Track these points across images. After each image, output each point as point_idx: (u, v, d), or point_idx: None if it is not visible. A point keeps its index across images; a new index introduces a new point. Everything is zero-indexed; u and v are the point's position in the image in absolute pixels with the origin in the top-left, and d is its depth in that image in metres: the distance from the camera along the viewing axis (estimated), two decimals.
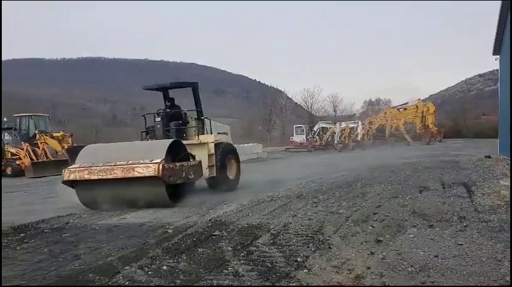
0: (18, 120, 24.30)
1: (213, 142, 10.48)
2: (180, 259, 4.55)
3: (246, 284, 3.69)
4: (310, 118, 57.53)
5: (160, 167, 7.96)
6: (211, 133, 10.89)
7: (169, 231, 6.02)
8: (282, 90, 69.85)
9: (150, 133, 10.98)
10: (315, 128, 40.36)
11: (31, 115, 24.89)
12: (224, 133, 11.72)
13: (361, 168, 14.97)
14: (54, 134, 23.91)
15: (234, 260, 4.40)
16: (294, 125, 43.67)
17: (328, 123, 41.76)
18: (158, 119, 10.76)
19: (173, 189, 8.62)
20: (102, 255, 4.92)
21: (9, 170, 22.19)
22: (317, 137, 39.28)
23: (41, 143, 22.50)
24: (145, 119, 11.32)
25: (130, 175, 8.06)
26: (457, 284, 3.66)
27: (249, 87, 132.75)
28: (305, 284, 3.70)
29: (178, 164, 8.57)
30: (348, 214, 6.63)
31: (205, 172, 9.94)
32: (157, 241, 5.48)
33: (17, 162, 21.98)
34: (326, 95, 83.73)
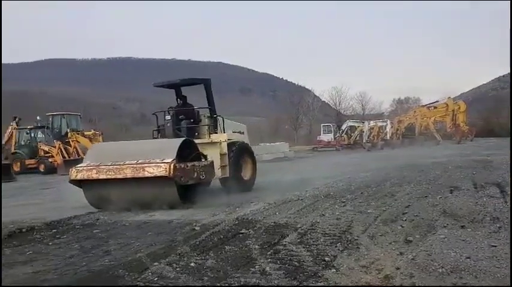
0: (50, 119, 24.96)
1: (225, 141, 10.12)
2: (207, 256, 4.58)
3: (273, 283, 3.68)
4: (337, 117, 57.04)
5: (172, 167, 7.72)
6: (224, 132, 10.52)
7: (197, 228, 6.07)
8: (309, 88, 69.54)
9: (161, 132, 10.66)
10: (343, 127, 40.04)
11: (63, 114, 25.54)
12: (239, 132, 11.39)
13: (390, 167, 14.75)
14: (86, 133, 24.48)
15: (261, 259, 4.40)
16: (322, 124, 43.42)
17: (357, 121, 41.39)
18: (168, 117, 10.40)
19: (184, 190, 8.36)
20: (131, 251, 5.00)
21: (42, 168, 22.86)
22: (345, 136, 38.97)
23: (72, 141, 23.07)
24: (156, 117, 10.91)
25: (140, 175, 7.82)
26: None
27: (275, 85, 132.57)
28: (333, 284, 3.67)
29: (189, 164, 8.30)
30: (376, 214, 6.54)
31: (218, 172, 9.63)
32: (185, 238, 5.53)
33: (50, 160, 22.60)
34: (354, 93, 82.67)
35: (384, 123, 36.95)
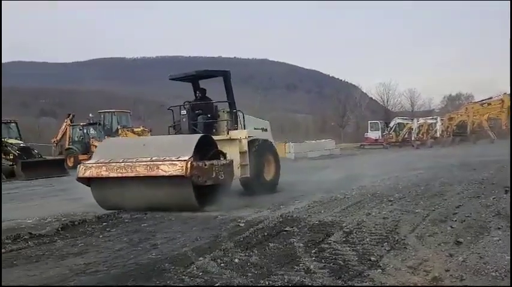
0: (102, 116, 25.84)
1: (245, 138, 9.31)
2: (251, 253, 4.59)
3: (317, 282, 3.64)
4: (385, 114, 55.81)
5: (189, 166, 7.04)
6: (244, 128, 9.78)
7: (241, 225, 6.11)
8: (356, 85, 68.49)
9: (176, 128, 10.01)
10: (391, 124, 39.13)
11: (114, 111, 26.35)
12: (262, 129, 10.63)
13: (440, 166, 14.32)
14: (135, 129, 25.13)
15: (305, 257, 4.36)
16: (369, 121, 42.59)
17: (405, 119, 40.36)
18: (184, 112, 9.65)
19: (202, 191, 7.68)
20: (177, 245, 5.09)
21: None
22: (393, 133, 38.10)
23: (122, 137, 23.80)
24: (172, 112, 10.19)
25: (154, 174, 7.20)
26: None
27: (322, 82, 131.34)
28: (379, 284, 3.59)
29: (208, 162, 7.60)
30: (425, 214, 6.36)
31: (237, 172, 8.88)
32: (230, 234, 5.57)
33: None
34: (403, 90, 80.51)
35: (434, 121, 35.84)
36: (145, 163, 7.28)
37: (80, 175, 7.75)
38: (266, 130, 10.75)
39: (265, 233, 5.45)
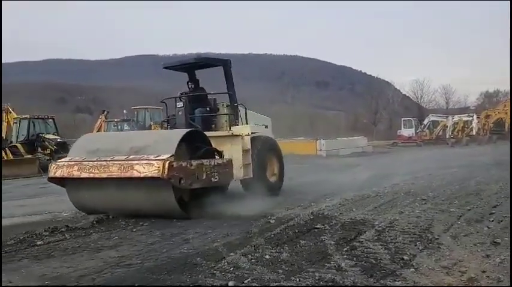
0: (135, 112, 26.38)
1: (248, 135, 8.37)
2: (282, 250, 4.59)
3: (348, 279, 3.62)
4: (419, 111, 54.72)
5: (166, 166, 6.00)
6: (246, 123, 8.81)
7: (272, 221, 6.11)
8: (389, 81, 67.29)
9: (171, 122, 9.05)
10: (424, 122, 38.36)
11: (147, 108, 26.82)
12: (264, 126, 9.73)
13: (476, 165, 13.96)
14: None
15: (336, 255, 4.33)
16: (402, 118, 41.81)
17: (440, 116, 39.47)
18: (180, 104, 8.62)
19: (190, 196, 6.94)
20: (208, 240, 5.14)
21: None
22: (427, 130, 37.34)
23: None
24: (166, 105, 9.30)
25: (127, 175, 6.20)
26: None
27: (353, 78, 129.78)
28: (412, 284, 3.53)
29: (195, 162, 6.64)
30: (460, 213, 6.21)
31: (239, 173, 8.02)
32: (260, 230, 5.58)
33: None
34: (437, 86, 78.52)
35: (470, 118, 34.96)
36: (119, 163, 6.31)
37: (51, 174, 6.89)
38: (267, 127, 9.91)
39: (296, 230, 5.44)
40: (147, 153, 6.38)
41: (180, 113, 8.52)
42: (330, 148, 25.63)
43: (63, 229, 5.95)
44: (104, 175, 6.36)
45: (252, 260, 4.22)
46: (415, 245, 4.59)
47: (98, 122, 26.93)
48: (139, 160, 6.26)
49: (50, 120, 22.02)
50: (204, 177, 6.69)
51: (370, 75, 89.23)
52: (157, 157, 6.20)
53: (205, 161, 6.81)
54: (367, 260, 4.11)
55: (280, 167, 9.44)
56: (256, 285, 3.53)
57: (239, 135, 8.25)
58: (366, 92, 63.80)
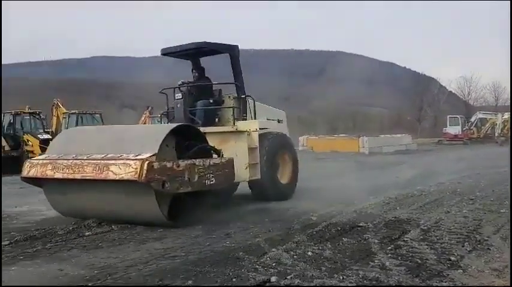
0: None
1: (256, 131, 7.53)
2: (324, 247, 4.56)
3: (393, 279, 3.55)
4: (466, 108, 52.94)
5: (145, 167, 5.14)
6: (255, 118, 7.88)
7: (313, 218, 6.08)
8: (435, 77, 65.39)
9: (170, 116, 8.26)
10: (472, 119, 37.10)
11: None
12: (278, 121, 8.83)
13: None
14: None
15: (380, 253, 4.27)
16: (448, 116, 40.51)
17: (488, 113, 38.06)
18: (179, 95, 7.72)
19: (178, 201, 5.97)
20: (250, 235, 5.18)
21: None
22: (474, 128, 36.10)
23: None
24: (166, 96, 8.22)
25: (102, 177, 5.41)
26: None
27: (398, 75, 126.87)
28: (460, 285, 3.43)
29: (184, 162, 5.71)
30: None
31: (244, 173, 7.21)
32: (302, 226, 5.57)
33: None
34: (486, 83, 75.64)
35: None
36: (94, 162, 5.51)
37: (24, 174, 6.18)
38: (281, 122, 9.03)
39: (339, 228, 5.40)
40: (127, 151, 5.52)
41: (178, 105, 7.67)
42: (372, 145, 25.23)
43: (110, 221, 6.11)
44: (78, 176, 5.59)
45: (294, 257, 4.22)
46: (463, 246, 4.46)
47: (143, 118, 27.54)
48: (116, 159, 5.44)
49: (97, 115, 22.69)
50: (196, 179, 5.81)
51: (415, 71, 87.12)
52: (137, 156, 5.36)
53: (197, 161, 5.90)
54: (413, 260, 4.02)
55: (293, 167, 8.46)
56: (299, 281, 3.53)
57: (245, 131, 7.45)
58: (411, 88, 62.22)
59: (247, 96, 7.99)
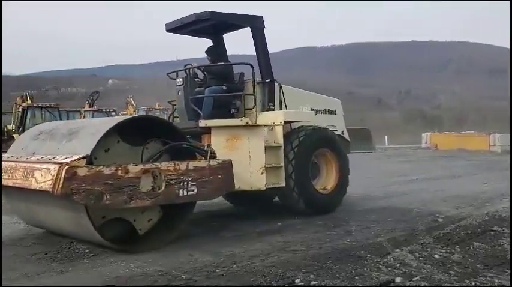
0: None
1: (281, 125, 6.00)
2: (453, 250, 4.30)
3: None
4: None
5: (62, 174, 3.90)
6: (285, 108, 6.48)
7: (440, 220, 5.76)
8: None
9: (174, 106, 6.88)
10: None
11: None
12: (328, 112, 7.40)
13: None
14: None
15: None
16: None
17: None
18: (180, 80, 6.24)
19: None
20: (372, 234, 5.06)
21: None
22: None
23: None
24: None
25: (26, 184, 4.30)
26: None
27: None
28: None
29: (137, 167, 4.37)
30: None
31: (258, 179, 5.68)
32: (427, 228, 5.31)
33: None
34: None
35: None
36: (24, 166, 4.46)
37: None
38: (334, 113, 7.54)
39: (469, 231, 5.05)
40: (64, 151, 4.38)
41: (179, 93, 6.26)
42: (505, 143, 23.16)
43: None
44: (10, 182, 4.61)
45: (420, 259, 4.04)
46: None
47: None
48: (41, 163, 4.29)
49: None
50: (163, 189, 4.49)
51: None
52: (64, 158, 4.11)
53: (163, 165, 4.54)
54: None
55: (339, 171, 6.58)
56: (426, 284, 3.37)
57: (260, 125, 5.91)
58: None
59: (274, 81, 6.47)
